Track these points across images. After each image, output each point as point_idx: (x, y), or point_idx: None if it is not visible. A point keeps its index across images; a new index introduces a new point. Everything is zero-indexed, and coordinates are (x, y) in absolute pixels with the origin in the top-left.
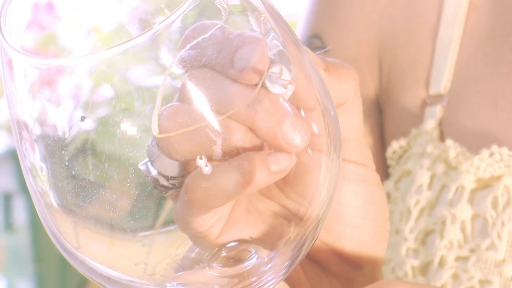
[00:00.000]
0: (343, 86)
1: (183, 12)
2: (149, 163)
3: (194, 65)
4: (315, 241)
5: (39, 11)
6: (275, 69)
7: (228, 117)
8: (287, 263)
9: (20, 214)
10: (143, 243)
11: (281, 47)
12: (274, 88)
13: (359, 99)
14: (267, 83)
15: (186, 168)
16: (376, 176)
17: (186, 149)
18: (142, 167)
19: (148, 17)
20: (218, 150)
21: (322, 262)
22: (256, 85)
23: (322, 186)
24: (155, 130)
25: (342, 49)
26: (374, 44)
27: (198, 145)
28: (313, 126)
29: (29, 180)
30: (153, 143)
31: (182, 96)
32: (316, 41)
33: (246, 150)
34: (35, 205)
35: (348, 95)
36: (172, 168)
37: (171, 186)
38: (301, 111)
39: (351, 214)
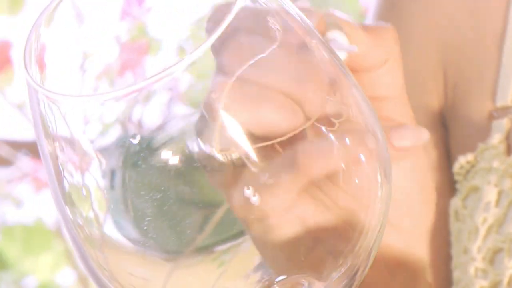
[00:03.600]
0: (383, 43)
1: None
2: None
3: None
4: (367, 268)
5: (131, 2)
6: (335, 33)
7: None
8: None
9: None
10: (220, 260)
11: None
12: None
13: (399, 55)
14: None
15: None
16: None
17: None
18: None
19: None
20: None
21: None
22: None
23: (372, 214)
24: (216, 146)
25: (405, 61)
26: (438, 56)
27: None
28: (361, 155)
29: (64, 210)
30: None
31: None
32: None
33: None
34: (70, 240)
35: (390, 51)
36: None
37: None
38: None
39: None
